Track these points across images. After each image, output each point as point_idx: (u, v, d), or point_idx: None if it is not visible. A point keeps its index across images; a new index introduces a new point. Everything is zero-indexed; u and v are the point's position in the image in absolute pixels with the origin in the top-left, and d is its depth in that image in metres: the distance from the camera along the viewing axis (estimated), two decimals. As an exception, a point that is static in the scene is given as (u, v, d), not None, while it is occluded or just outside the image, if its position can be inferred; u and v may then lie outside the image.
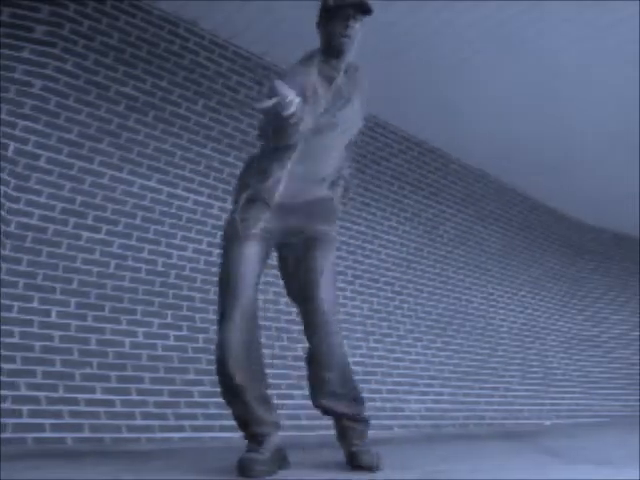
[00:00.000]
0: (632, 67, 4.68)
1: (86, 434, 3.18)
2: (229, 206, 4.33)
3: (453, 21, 4.31)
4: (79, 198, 3.67)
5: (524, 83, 5.08)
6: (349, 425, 2.43)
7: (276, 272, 4.49)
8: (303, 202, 2.40)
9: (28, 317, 3.26)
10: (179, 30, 4.31)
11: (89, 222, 3.67)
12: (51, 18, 3.69)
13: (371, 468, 2.32)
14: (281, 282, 4.35)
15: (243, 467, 2.15)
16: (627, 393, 7.83)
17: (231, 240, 2.35)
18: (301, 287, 2.43)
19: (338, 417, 2.45)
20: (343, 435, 2.45)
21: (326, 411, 2.47)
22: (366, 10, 2.39)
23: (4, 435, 2.92)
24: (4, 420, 2.95)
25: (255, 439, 2.27)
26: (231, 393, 2.30)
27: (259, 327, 2.38)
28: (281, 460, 2.32)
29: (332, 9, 2.38)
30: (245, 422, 2.32)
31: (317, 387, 2.43)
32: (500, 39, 4.51)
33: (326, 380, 2.38)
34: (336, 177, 2.56)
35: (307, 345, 2.44)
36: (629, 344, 8.37)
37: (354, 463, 2.36)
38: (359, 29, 2.41)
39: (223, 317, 2.27)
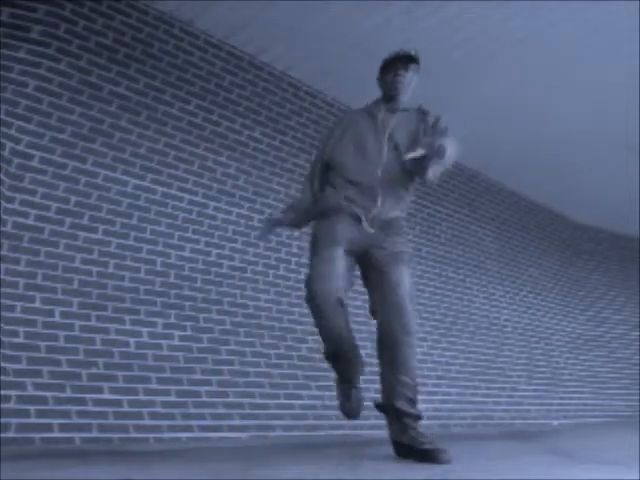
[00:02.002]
0: (630, 67, 4.81)
1: (94, 434, 3.21)
2: (224, 206, 4.49)
3: (448, 21, 4.45)
4: (74, 198, 3.74)
5: (519, 82, 5.22)
6: (410, 424, 2.68)
7: (280, 273, 4.63)
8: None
9: (32, 317, 3.32)
10: (174, 30, 4.44)
11: (85, 222, 3.74)
12: (47, 18, 3.81)
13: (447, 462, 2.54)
14: (284, 283, 4.48)
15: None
16: (629, 393, 7.94)
17: None
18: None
19: (402, 416, 2.68)
20: (403, 431, 2.67)
21: (397, 412, 2.69)
22: (412, 59, 2.90)
23: (9, 435, 2.94)
24: (9, 420, 2.97)
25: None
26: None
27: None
28: None
29: (385, 64, 2.94)
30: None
31: (393, 389, 2.69)
32: (496, 39, 4.65)
33: (403, 383, 2.68)
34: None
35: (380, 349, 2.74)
36: (630, 344, 8.52)
37: (429, 460, 2.54)
38: (412, 76, 2.93)
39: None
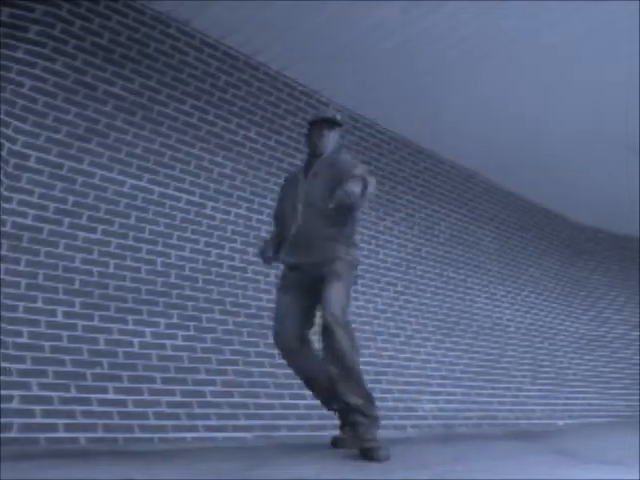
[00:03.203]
0: (629, 67, 4.89)
1: (99, 434, 3.22)
2: (222, 206, 4.53)
3: (443, 22, 4.53)
4: (71, 198, 3.78)
5: (517, 82, 5.30)
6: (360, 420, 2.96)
7: (279, 273, 4.65)
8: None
9: (35, 317, 3.35)
10: (170, 30, 4.51)
11: (84, 222, 3.78)
12: (44, 18, 3.87)
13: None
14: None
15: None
16: (630, 393, 8.00)
17: None
18: None
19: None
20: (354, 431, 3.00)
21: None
22: (335, 123, 3.42)
23: (11, 435, 2.96)
24: (11, 420, 2.98)
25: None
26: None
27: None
28: None
29: (311, 124, 3.42)
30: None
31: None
32: (491, 39, 4.73)
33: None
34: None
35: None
36: (630, 344, 8.61)
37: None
38: (334, 135, 3.41)
39: None
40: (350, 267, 3.25)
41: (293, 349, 3.24)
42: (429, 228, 6.36)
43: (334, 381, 3.01)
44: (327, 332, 2.99)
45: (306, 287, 3.25)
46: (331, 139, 3.39)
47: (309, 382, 3.32)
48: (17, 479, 2.11)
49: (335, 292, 3.08)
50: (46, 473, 2.25)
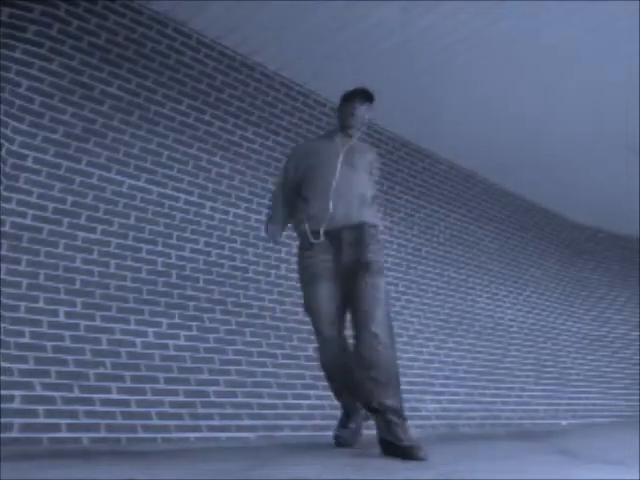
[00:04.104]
0: (629, 67, 4.94)
1: (102, 434, 3.23)
2: (221, 206, 4.58)
3: (441, 21, 4.57)
4: (70, 198, 3.80)
5: (516, 82, 5.35)
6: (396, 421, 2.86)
7: (281, 273, 4.69)
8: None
9: (36, 317, 3.37)
10: (167, 30, 4.55)
11: (83, 222, 3.80)
12: (42, 18, 3.91)
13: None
14: (286, 283, 4.57)
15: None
16: (630, 393, 8.05)
17: None
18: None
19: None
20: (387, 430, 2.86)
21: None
22: (368, 97, 3.31)
23: (12, 435, 2.97)
24: (12, 420, 2.99)
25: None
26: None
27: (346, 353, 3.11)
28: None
29: (344, 98, 3.36)
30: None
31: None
32: (490, 39, 4.78)
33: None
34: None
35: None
36: (630, 344, 8.67)
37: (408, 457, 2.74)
38: (365, 110, 3.32)
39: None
40: (382, 249, 3.18)
41: (339, 355, 3.11)
42: (429, 228, 6.40)
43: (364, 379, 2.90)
44: (367, 347, 2.87)
45: (341, 271, 3.06)
46: (362, 114, 3.32)
47: (335, 373, 3.20)
48: (19, 479, 2.12)
49: (378, 301, 2.94)
50: (48, 473, 2.26)
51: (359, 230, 3.08)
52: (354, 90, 3.32)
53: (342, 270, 3.05)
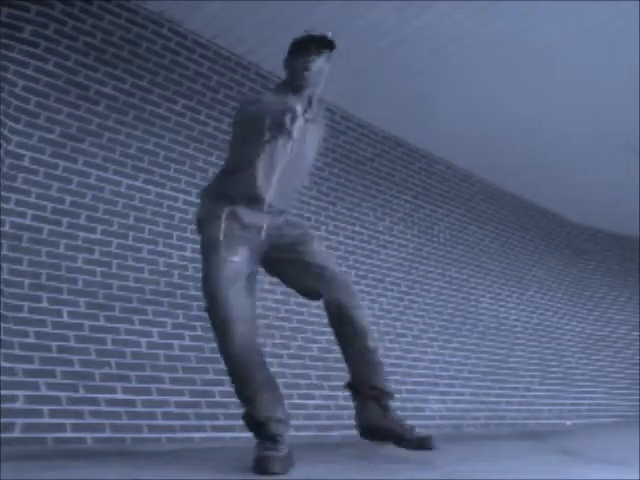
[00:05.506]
0: (628, 67, 4.98)
1: (107, 434, 3.26)
2: (220, 206, 4.57)
3: (436, 21, 4.63)
4: (68, 198, 3.84)
5: (514, 82, 5.40)
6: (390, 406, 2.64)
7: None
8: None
9: (40, 317, 3.40)
10: (162, 30, 4.61)
11: (82, 222, 3.83)
12: (37, 18, 3.96)
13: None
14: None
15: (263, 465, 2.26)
16: (631, 393, 8.12)
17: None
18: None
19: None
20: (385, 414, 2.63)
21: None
22: (327, 44, 2.61)
23: (14, 435, 2.98)
24: (15, 420, 3.01)
25: (272, 438, 2.43)
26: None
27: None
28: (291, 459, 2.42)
29: (294, 45, 2.64)
30: (262, 422, 2.49)
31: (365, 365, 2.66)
32: (486, 38, 4.83)
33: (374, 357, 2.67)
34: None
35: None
36: (631, 344, 8.76)
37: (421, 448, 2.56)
38: (324, 63, 2.62)
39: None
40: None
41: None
42: (428, 228, 6.45)
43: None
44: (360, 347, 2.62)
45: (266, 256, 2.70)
46: (318, 68, 2.61)
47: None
48: (21, 479, 2.13)
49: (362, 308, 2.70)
50: (52, 473, 2.27)
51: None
52: (307, 36, 2.61)
53: None
